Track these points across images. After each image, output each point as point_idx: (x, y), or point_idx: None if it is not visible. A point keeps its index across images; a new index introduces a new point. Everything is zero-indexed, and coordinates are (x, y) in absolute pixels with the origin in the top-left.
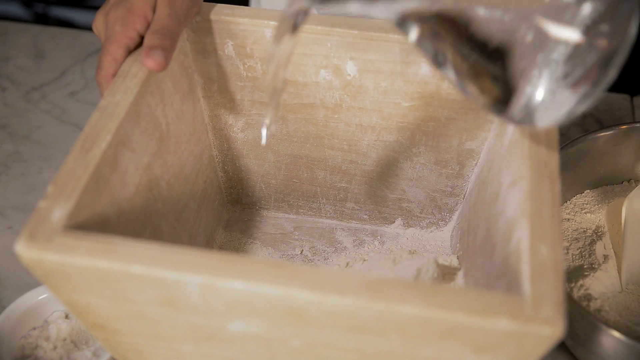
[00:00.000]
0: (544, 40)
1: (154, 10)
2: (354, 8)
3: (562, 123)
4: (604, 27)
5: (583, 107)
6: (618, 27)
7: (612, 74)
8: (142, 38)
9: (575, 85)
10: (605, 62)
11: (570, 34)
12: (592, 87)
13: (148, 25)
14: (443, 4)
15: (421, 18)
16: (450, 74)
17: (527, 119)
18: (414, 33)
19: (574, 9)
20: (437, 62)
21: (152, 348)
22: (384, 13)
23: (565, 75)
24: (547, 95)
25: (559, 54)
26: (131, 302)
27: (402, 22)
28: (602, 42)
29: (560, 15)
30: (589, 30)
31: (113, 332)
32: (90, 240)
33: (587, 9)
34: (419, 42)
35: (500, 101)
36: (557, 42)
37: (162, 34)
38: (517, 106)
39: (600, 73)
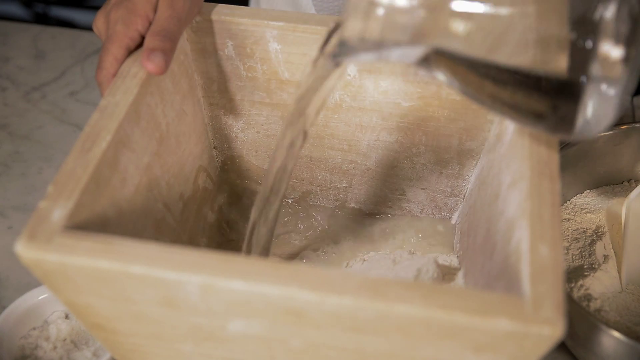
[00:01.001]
0: (584, 55)
1: (155, 11)
2: (367, 59)
3: (611, 124)
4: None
5: (625, 101)
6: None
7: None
8: (143, 38)
9: (615, 85)
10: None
11: (613, 48)
12: (629, 79)
13: (149, 26)
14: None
15: (444, 57)
16: (490, 104)
17: (586, 131)
18: (437, 73)
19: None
20: (471, 96)
21: (152, 348)
22: (401, 59)
23: (607, 80)
24: (599, 104)
25: (600, 63)
26: (131, 302)
27: (423, 65)
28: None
29: (592, 24)
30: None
31: (113, 332)
32: (90, 241)
33: (609, 12)
34: (444, 80)
35: (549, 118)
36: (599, 54)
37: (163, 35)
38: (578, 123)
39: (633, 66)
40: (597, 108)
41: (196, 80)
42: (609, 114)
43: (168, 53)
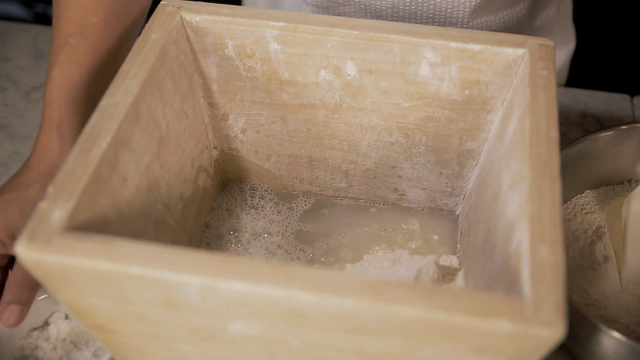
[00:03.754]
0: None
1: (14, 237)
2: None
3: None
4: None
5: None
6: None
7: None
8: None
9: None
10: None
11: None
12: None
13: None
14: None
15: None
16: None
17: None
18: None
19: None
20: None
21: (152, 348)
22: None
23: None
24: None
25: None
26: (131, 303)
27: None
28: None
29: None
30: None
31: (113, 332)
32: (90, 241)
33: None
34: None
35: None
36: None
37: (21, 285)
38: None
39: None
40: None
41: (196, 80)
42: None
43: (26, 304)
